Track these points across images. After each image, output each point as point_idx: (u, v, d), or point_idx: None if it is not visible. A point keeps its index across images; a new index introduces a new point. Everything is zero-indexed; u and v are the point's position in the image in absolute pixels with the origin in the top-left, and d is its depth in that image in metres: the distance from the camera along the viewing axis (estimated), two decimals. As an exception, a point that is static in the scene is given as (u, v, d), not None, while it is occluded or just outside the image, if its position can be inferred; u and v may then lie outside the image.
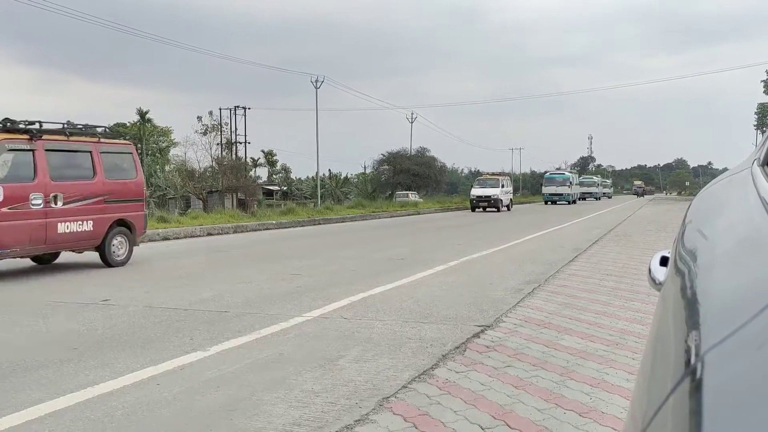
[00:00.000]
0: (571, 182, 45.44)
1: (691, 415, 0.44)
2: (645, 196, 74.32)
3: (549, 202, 43.33)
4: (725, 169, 1.85)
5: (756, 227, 0.77)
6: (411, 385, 3.53)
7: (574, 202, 44.49)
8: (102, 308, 5.88)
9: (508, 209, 32.60)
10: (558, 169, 66.39)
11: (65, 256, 10.84)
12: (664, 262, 1.22)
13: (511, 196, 34.79)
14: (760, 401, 0.40)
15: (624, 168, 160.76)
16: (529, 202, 48.64)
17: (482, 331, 4.81)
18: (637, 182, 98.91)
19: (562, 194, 44.12)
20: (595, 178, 66.85)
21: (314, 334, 4.79)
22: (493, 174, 36.28)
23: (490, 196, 31.34)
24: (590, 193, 58.99)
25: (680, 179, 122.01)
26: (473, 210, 31.21)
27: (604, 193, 65.48)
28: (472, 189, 33.17)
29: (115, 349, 4.37)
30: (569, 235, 14.76)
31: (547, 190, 45.39)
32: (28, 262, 9.82)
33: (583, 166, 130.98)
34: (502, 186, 32.49)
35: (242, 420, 3.04)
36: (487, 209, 31.11)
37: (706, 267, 0.76)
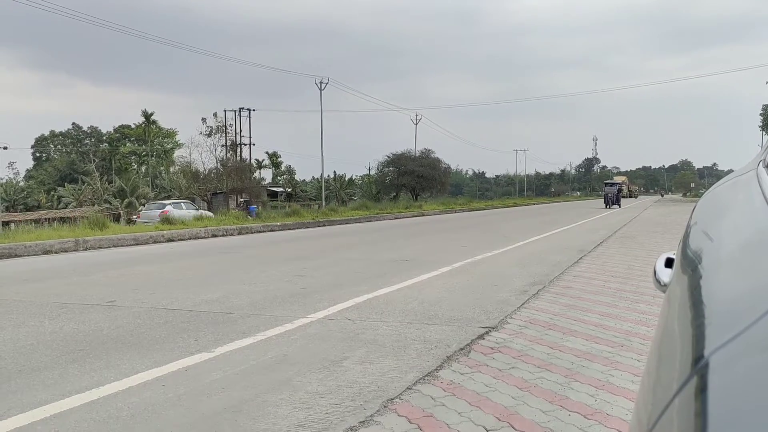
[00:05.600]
0: None
1: (697, 416, 0.44)
2: (619, 206, 39.85)
3: None
4: (730, 171, 1.84)
5: (761, 229, 0.76)
6: (415, 387, 3.53)
7: None
8: (107, 309, 5.90)
9: None
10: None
11: (70, 257, 10.88)
12: (669, 263, 1.22)
13: None
14: (766, 403, 0.40)
15: (629, 169, 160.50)
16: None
17: (487, 333, 4.80)
18: (615, 179, 62.73)
19: None
20: None
21: (319, 335, 4.79)
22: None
23: None
24: None
25: (685, 180, 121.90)
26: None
27: None
28: None
29: (120, 351, 4.38)
30: (574, 237, 14.73)
31: None
32: (34, 263, 9.86)
33: (587, 167, 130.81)
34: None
35: (247, 421, 3.04)
36: None
37: (712, 269, 0.76)
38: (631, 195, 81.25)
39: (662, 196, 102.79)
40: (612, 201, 39.96)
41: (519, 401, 3.28)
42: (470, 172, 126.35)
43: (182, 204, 29.33)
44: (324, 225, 21.93)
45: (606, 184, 45.25)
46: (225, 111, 45.27)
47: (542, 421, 3.01)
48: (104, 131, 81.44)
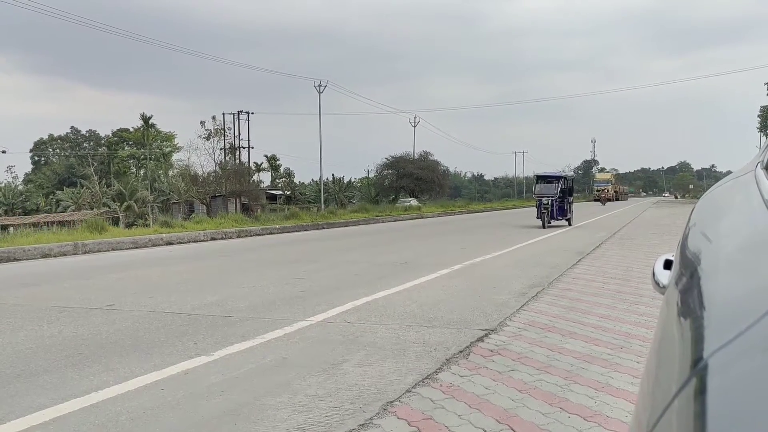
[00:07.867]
0: None
1: (696, 417, 0.44)
2: (568, 222, 20.28)
3: None
4: (729, 172, 1.84)
5: (759, 230, 0.77)
6: (415, 390, 3.52)
7: None
8: (106, 313, 5.89)
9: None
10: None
11: (69, 261, 10.86)
12: (668, 265, 1.22)
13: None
14: (765, 404, 0.40)
15: (628, 171, 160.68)
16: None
17: (486, 335, 4.80)
18: (599, 176, 56.02)
19: None
20: None
21: (318, 338, 4.78)
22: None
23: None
24: None
25: (684, 182, 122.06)
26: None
27: None
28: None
29: (119, 354, 4.37)
30: (573, 239, 14.74)
31: None
32: (33, 267, 9.84)
33: (586, 169, 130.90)
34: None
35: (246, 425, 3.03)
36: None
37: (710, 270, 0.76)
38: (613, 198, 66.63)
39: (676, 197, 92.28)
40: (552, 213, 19.60)
41: (519, 403, 3.27)
42: (469, 175, 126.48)
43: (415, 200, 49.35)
44: (323, 228, 21.92)
45: (538, 178, 22.12)
46: (224, 114, 45.26)
47: (542, 423, 3.01)
48: (103, 135, 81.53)
